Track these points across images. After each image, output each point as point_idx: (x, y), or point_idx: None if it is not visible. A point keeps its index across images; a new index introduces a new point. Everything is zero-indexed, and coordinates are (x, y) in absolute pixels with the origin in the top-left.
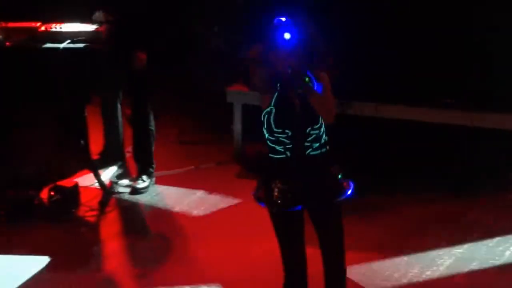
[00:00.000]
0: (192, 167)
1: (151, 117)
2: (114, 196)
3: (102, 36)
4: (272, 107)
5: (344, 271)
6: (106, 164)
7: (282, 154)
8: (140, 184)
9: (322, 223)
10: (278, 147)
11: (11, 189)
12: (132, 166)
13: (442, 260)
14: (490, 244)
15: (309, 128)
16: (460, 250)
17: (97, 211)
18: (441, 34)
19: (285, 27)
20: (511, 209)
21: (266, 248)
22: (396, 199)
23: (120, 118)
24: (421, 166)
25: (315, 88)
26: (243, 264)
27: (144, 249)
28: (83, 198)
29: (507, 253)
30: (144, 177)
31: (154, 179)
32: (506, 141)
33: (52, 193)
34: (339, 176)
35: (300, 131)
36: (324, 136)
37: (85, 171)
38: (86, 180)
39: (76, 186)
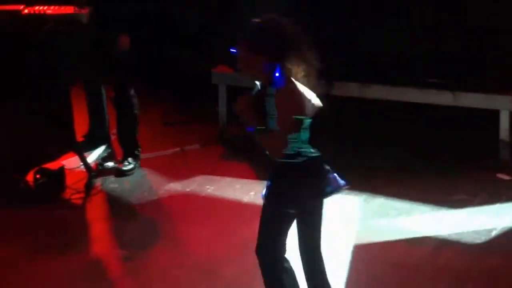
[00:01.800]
0: (177, 149)
1: (135, 100)
2: (99, 178)
3: (86, 19)
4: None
5: (323, 272)
6: (91, 147)
7: (304, 157)
8: (126, 167)
9: (306, 221)
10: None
11: None
12: (118, 148)
13: None
14: None
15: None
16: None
17: (83, 193)
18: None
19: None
20: None
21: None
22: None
23: (104, 101)
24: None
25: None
26: (231, 244)
27: (130, 231)
28: (69, 180)
29: None
30: (130, 159)
31: (139, 161)
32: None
33: (37, 175)
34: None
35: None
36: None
37: (71, 153)
38: (71, 162)
39: (62, 168)
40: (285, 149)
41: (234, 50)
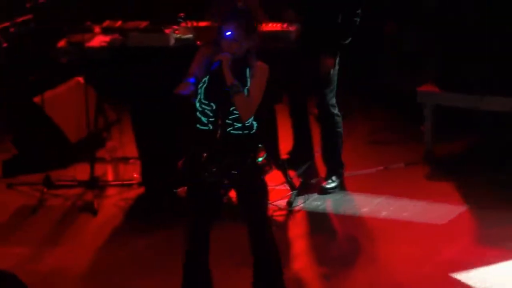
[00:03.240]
0: (381, 167)
1: (339, 118)
2: (302, 196)
3: (293, 36)
4: (206, 79)
5: (274, 253)
6: (295, 164)
7: (206, 126)
8: (329, 184)
9: (244, 202)
10: (203, 118)
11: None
12: (321, 166)
13: None
14: None
15: (233, 107)
16: None
17: (285, 210)
18: None
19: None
20: None
21: (457, 248)
22: None
23: (309, 118)
24: None
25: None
26: (436, 264)
27: (331, 249)
28: (272, 197)
29: None
30: (333, 177)
31: (343, 179)
32: None
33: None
34: (259, 159)
35: (223, 107)
36: (250, 120)
37: (274, 170)
38: (275, 179)
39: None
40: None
41: (230, 33)
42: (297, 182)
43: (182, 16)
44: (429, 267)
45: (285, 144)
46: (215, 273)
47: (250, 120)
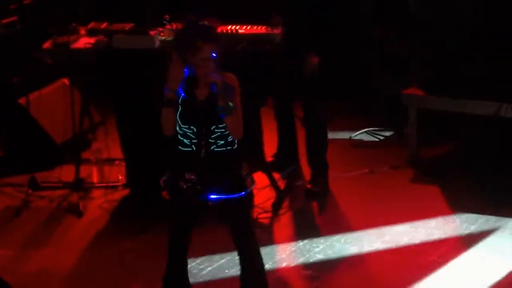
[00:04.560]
0: (366, 170)
1: (324, 120)
2: (287, 198)
3: (278, 39)
4: (179, 105)
5: (260, 264)
6: (280, 167)
7: (188, 147)
8: (315, 187)
9: (230, 217)
10: (185, 141)
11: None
12: (306, 168)
13: None
14: None
15: (214, 126)
16: None
17: (270, 213)
18: None
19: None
20: None
21: (442, 250)
22: None
23: (294, 121)
24: None
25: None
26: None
27: (316, 252)
28: (257, 200)
29: None
30: (319, 180)
31: (328, 182)
32: None
33: None
34: (243, 174)
35: (204, 128)
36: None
37: (259, 173)
38: (260, 182)
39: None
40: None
41: (215, 54)
42: (282, 184)
43: (167, 18)
44: (413, 269)
45: (270, 146)
46: None
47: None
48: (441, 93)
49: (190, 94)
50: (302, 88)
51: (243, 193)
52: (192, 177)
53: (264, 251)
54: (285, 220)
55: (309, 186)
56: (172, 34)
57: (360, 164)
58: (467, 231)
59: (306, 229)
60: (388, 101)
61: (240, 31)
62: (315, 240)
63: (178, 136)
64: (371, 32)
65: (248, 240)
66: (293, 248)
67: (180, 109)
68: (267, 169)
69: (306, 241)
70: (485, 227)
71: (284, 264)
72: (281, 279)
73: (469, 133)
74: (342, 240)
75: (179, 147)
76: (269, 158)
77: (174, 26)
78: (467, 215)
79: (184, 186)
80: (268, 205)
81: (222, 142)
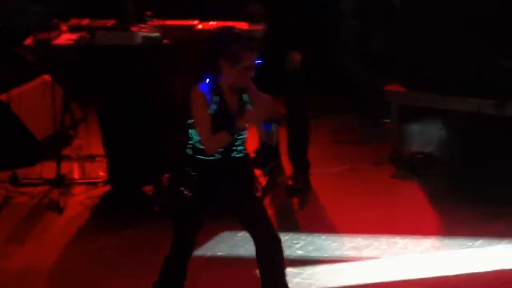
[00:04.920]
0: (347, 166)
1: (307, 117)
2: (269, 194)
3: (260, 35)
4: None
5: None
6: (261, 163)
7: (211, 156)
8: (296, 184)
9: (248, 219)
10: None
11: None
12: (287, 164)
13: None
14: None
15: (238, 135)
16: None
17: None
18: None
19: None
20: None
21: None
22: None
23: None
24: None
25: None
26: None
27: (297, 249)
28: None
29: None
30: (300, 176)
31: (309, 178)
32: None
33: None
34: (257, 176)
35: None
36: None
37: None
38: None
39: None
40: None
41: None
42: (263, 181)
43: (149, 15)
44: (393, 263)
45: (252, 143)
46: None
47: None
48: (423, 89)
49: (222, 103)
50: (285, 84)
51: (256, 193)
52: (193, 183)
53: (244, 247)
54: None
55: (290, 182)
56: (154, 30)
57: (341, 161)
58: (448, 227)
59: (287, 225)
60: (371, 98)
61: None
62: (296, 236)
63: (200, 146)
64: (351, 29)
65: (278, 247)
66: None
67: (213, 121)
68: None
69: (287, 237)
70: (466, 223)
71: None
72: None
73: (450, 130)
74: (323, 237)
75: (197, 155)
76: (251, 154)
77: (156, 22)
78: (447, 211)
79: (185, 192)
80: None
81: (241, 148)
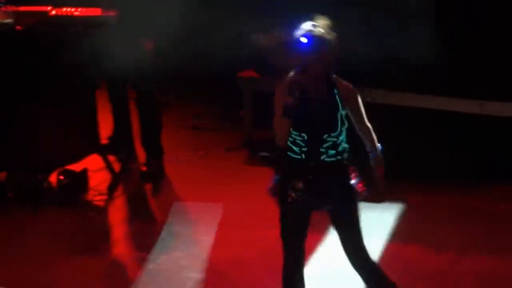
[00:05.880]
0: (201, 152)
1: (159, 103)
2: (122, 181)
3: (113, 21)
4: (298, 110)
5: (374, 264)
6: (115, 149)
7: (298, 155)
8: (150, 169)
9: (340, 223)
10: (295, 148)
11: (20, 172)
12: (141, 150)
13: None
14: None
15: (326, 135)
16: None
17: (106, 195)
18: None
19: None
20: None
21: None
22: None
23: (128, 104)
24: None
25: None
26: (249, 250)
27: (151, 234)
28: (92, 182)
29: None
30: (153, 162)
31: (162, 164)
32: None
33: (61, 177)
34: (353, 182)
35: (315, 137)
36: (343, 144)
37: (94, 155)
38: (94, 164)
39: (85, 170)
40: None
41: (307, 41)
42: (117, 167)
43: (3, 1)
44: (250, 252)
45: (105, 129)
46: None
47: (344, 145)
48: (275, 75)
49: (303, 100)
50: (136, 71)
51: (352, 202)
52: (300, 185)
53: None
54: (120, 203)
55: (144, 168)
56: (7, 16)
57: (195, 147)
58: None
59: (141, 212)
60: (224, 84)
61: (75, 13)
62: (152, 223)
63: (288, 143)
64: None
65: (364, 257)
66: (128, 231)
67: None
68: (102, 151)
69: (143, 224)
70: None
71: (119, 247)
72: (116, 263)
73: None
74: (178, 223)
75: (288, 153)
76: (104, 140)
77: (10, 8)
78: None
79: (293, 195)
80: (103, 187)
81: (333, 152)
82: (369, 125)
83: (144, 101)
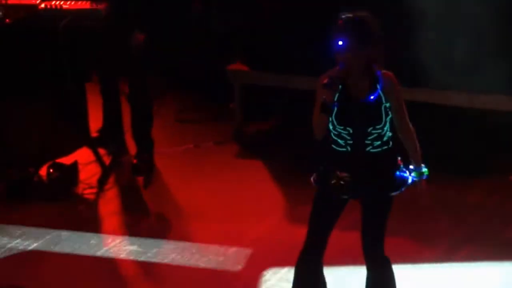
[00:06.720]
0: (191, 145)
1: (150, 96)
2: (113, 174)
3: (102, 14)
4: (335, 106)
5: (384, 258)
6: (105, 142)
7: (343, 148)
8: (140, 162)
9: (368, 211)
10: (340, 141)
11: (10, 166)
12: (131, 143)
13: None
14: None
15: (371, 128)
16: None
17: (96, 188)
18: None
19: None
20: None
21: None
22: None
23: (119, 97)
24: None
25: None
26: (240, 244)
27: (142, 227)
28: (82, 175)
29: None
30: (144, 155)
31: (153, 157)
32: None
33: (51, 170)
34: (397, 172)
35: (360, 130)
36: (387, 133)
37: (85, 148)
38: (84, 157)
39: (75, 163)
40: None
41: (341, 43)
42: (107, 160)
43: None
44: (239, 246)
45: (95, 122)
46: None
47: (389, 133)
48: (264, 68)
49: (346, 95)
50: (127, 64)
51: (395, 192)
52: (345, 174)
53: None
54: (111, 195)
55: (135, 161)
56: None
57: (185, 140)
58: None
59: (132, 205)
60: (213, 77)
61: (64, 6)
62: (142, 215)
63: (332, 136)
64: (192, 7)
65: (376, 249)
66: (119, 224)
67: (336, 109)
68: (92, 144)
69: (131, 217)
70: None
71: (109, 240)
72: (109, 256)
73: (289, 109)
74: (168, 216)
75: (333, 146)
76: (94, 133)
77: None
78: (289, 188)
79: (337, 184)
80: (94, 180)
81: (379, 142)
82: (411, 127)
83: (135, 94)
